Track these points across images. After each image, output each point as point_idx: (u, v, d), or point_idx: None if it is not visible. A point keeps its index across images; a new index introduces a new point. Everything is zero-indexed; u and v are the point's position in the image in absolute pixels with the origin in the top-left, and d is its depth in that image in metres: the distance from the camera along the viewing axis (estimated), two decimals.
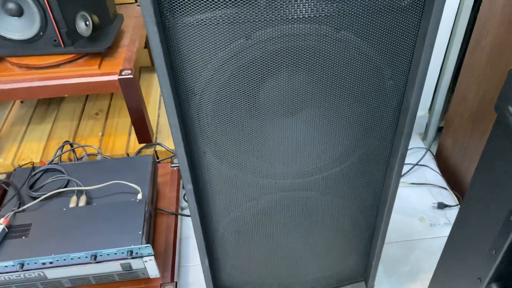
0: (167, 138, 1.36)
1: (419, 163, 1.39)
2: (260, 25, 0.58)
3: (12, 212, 1.00)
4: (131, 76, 1.14)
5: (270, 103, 0.67)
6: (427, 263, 1.14)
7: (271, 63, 0.62)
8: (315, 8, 0.57)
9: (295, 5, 0.57)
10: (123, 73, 1.15)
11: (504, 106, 0.53)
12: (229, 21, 0.58)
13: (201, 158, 0.72)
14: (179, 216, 1.21)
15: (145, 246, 0.92)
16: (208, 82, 0.63)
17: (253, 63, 0.62)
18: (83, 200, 1.04)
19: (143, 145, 1.32)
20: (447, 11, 1.27)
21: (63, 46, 1.17)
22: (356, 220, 0.88)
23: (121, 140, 1.36)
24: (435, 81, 1.42)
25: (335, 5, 0.58)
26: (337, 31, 0.60)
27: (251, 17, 0.57)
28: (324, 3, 0.57)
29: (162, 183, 1.26)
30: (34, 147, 1.35)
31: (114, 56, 1.22)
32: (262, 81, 0.64)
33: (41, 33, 1.14)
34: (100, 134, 1.38)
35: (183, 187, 1.32)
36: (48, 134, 1.39)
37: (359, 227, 0.89)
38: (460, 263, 0.72)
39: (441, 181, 1.34)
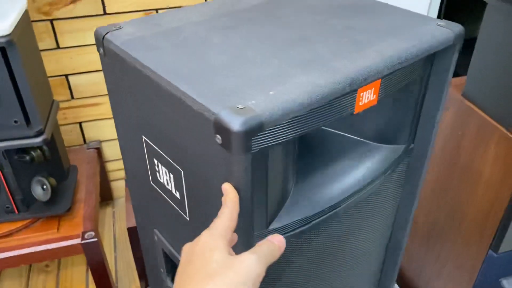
0: (128, 286, 1.30)
1: None
2: None
3: None
4: (95, 239, 1.10)
5: None
6: None
7: None
8: None
9: None
10: (86, 235, 1.10)
11: None
12: None
13: None
14: None
15: None
16: None
17: None
18: None
19: None
20: None
21: (17, 212, 1.11)
22: None
23: None
24: None
25: None
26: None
27: None
28: None
29: None
30: None
31: (72, 214, 1.17)
32: None
33: None
34: None
35: None
36: None
37: None
38: None
39: None
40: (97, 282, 1.20)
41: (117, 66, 0.62)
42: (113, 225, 1.52)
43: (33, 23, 1.16)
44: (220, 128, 0.43)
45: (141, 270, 1.29)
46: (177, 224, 0.65)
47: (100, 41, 0.64)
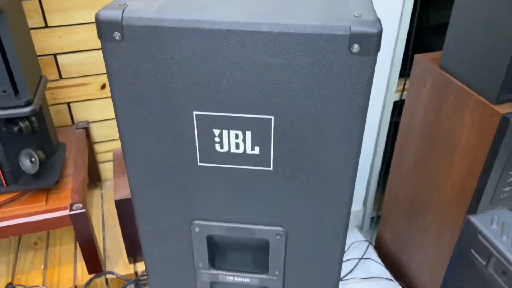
0: (116, 263, 1.32)
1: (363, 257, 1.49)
2: None
3: None
4: (83, 210, 1.12)
5: None
6: None
7: None
8: None
9: None
10: (74, 207, 1.12)
11: (467, 249, 0.62)
12: None
13: None
14: None
15: None
16: None
17: None
18: None
19: (92, 275, 1.26)
20: (370, 117, 1.44)
21: (5, 185, 1.12)
22: None
23: (67, 271, 1.29)
24: (366, 179, 1.56)
25: None
26: None
27: None
28: None
29: None
30: None
31: (60, 188, 1.19)
32: None
33: None
34: (43, 267, 1.30)
35: None
36: None
37: None
38: None
39: (386, 273, 1.44)
40: (85, 255, 1.21)
41: (146, 47, 0.54)
42: (101, 206, 1.54)
43: (22, 2, 1.18)
44: (358, 37, 0.48)
45: (130, 247, 1.31)
46: (247, 186, 0.64)
47: (118, 22, 0.52)
